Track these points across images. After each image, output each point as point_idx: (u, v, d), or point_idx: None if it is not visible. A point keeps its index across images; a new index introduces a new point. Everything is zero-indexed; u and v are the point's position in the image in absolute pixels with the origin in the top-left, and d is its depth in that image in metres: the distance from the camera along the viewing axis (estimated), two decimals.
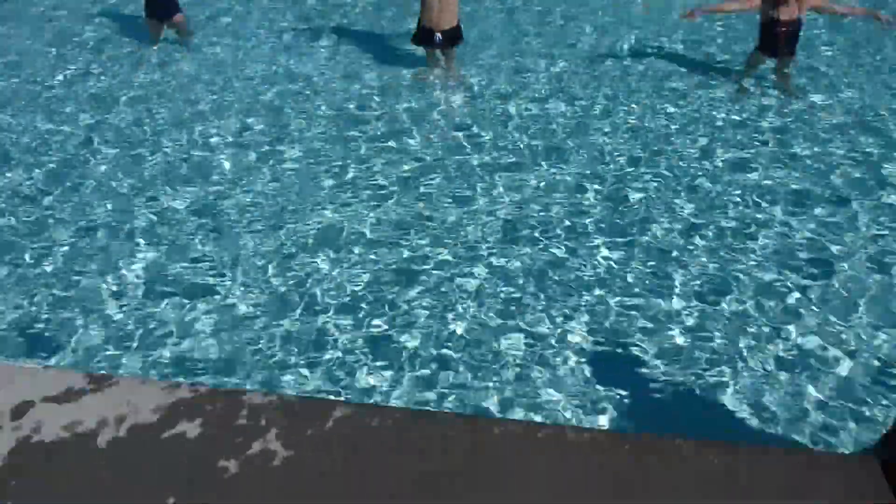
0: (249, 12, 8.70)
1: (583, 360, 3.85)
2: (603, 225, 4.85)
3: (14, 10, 8.70)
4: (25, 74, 7.18)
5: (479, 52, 7.45)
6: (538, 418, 3.47)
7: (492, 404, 3.60)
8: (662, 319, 4.11)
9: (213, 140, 6.00)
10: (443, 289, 4.30)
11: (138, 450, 2.49)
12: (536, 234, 4.78)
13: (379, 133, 6.05)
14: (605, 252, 4.62)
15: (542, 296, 4.26)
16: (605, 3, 8.61)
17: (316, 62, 7.37)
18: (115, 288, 4.38)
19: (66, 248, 4.75)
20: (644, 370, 3.81)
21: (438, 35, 6.80)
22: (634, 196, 5.17)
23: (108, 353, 3.91)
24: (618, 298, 4.25)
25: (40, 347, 4.00)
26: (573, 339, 3.96)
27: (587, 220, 4.91)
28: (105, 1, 8.88)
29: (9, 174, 5.54)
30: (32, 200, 5.24)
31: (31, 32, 8.12)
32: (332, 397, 3.39)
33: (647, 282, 4.36)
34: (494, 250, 4.64)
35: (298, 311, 4.15)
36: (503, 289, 4.32)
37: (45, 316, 4.20)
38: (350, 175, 5.48)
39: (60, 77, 7.11)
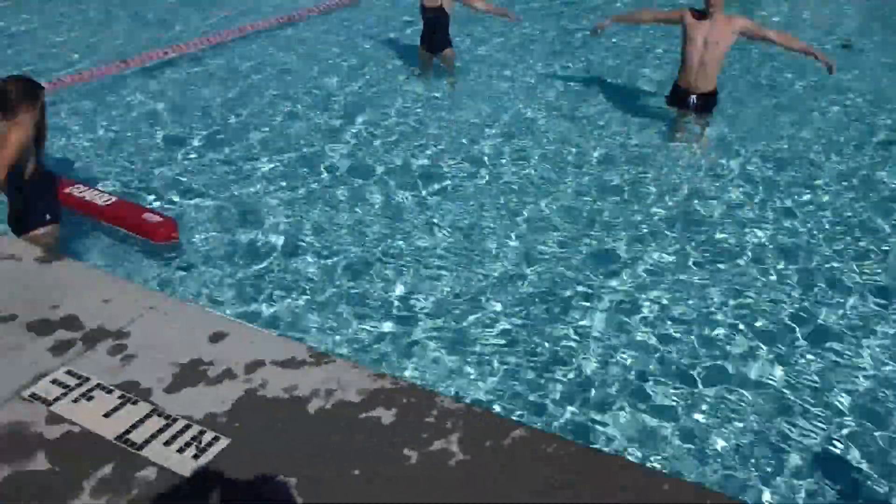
0: (508, 50, 9.23)
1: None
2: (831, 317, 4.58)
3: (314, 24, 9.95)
4: (302, 81, 8.17)
5: (732, 119, 7.28)
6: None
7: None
8: None
9: (456, 162, 6.43)
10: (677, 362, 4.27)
11: (339, 422, 2.80)
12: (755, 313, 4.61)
13: (612, 186, 6.10)
14: (805, 347, 4.35)
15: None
16: (872, 74, 8.12)
17: (562, 105, 7.64)
18: (390, 299, 4.76)
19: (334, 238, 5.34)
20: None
21: (693, 97, 6.75)
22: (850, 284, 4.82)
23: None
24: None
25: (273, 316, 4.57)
26: None
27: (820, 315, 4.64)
28: (391, 30, 9.86)
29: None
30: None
31: (316, 46, 9.21)
32: (515, 417, 3.53)
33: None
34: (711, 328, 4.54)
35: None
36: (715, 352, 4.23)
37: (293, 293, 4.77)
38: (568, 223, 5.60)
39: (336, 86, 8.04)
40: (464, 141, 6.85)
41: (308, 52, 9.10)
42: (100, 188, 5.63)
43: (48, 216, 4.41)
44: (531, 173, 6.30)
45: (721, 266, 5.08)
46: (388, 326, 4.45)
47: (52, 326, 3.30)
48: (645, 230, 5.49)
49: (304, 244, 5.27)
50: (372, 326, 4.44)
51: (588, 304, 4.66)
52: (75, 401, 2.86)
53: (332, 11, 10.64)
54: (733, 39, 6.50)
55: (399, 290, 4.77)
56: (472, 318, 4.51)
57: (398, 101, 7.66)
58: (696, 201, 5.89)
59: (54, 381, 2.96)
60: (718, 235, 5.44)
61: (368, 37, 9.66)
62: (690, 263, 5.11)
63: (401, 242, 5.28)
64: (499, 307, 4.62)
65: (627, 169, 6.38)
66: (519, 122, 7.28)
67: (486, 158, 6.51)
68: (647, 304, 4.67)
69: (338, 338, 4.34)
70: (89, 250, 5.07)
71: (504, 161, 6.49)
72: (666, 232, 5.47)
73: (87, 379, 2.98)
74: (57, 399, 2.87)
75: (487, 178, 6.20)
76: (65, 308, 3.42)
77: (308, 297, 4.71)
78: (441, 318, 4.52)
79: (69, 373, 3.01)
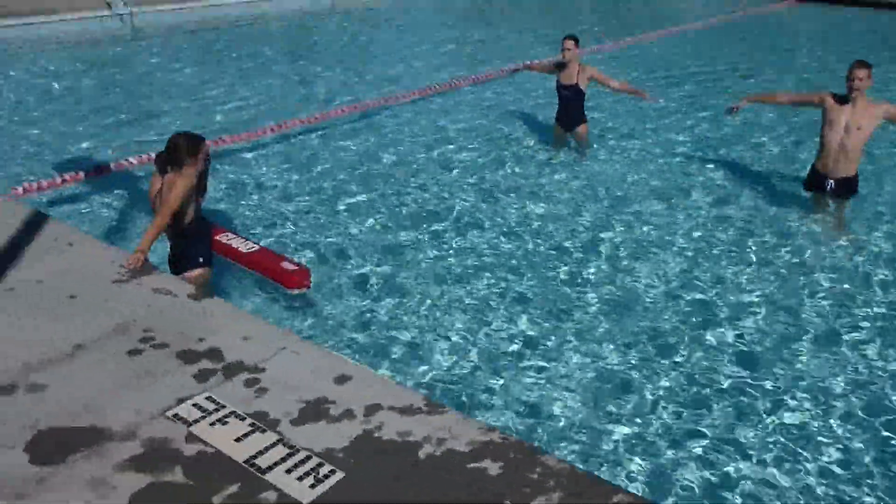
0: (642, 127, 9.33)
1: None
2: None
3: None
4: (437, 151, 8.59)
5: (873, 210, 7.00)
6: None
7: None
8: None
9: (586, 241, 6.52)
10: None
11: (448, 470, 2.92)
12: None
13: (740, 270, 5.98)
14: None
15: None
16: None
17: (693, 185, 7.62)
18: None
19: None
20: None
21: (831, 182, 6.56)
22: None
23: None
24: None
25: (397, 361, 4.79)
26: None
27: None
28: (525, 108, 10.21)
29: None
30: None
31: (454, 118, 9.65)
32: (617, 483, 3.53)
33: None
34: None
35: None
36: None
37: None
38: (695, 303, 5.57)
39: (469, 158, 8.38)
40: (591, 217, 6.95)
41: (446, 124, 9.56)
42: (245, 236, 6.11)
43: (201, 259, 4.87)
44: (658, 253, 6.27)
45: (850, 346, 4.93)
46: (519, 390, 4.54)
47: (198, 357, 3.64)
48: (780, 315, 5.34)
49: (428, 301, 5.51)
50: (497, 385, 4.57)
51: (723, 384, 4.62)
52: (212, 424, 3.15)
53: (471, 86, 11.14)
54: (877, 125, 6.33)
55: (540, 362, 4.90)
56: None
57: (530, 175, 7.90)
58: (829, 289, 5.69)
59: (195, 405, 3.27)
60: (861, 322, 5.26)
61: (504, 113, 10.03)
62: (825, 351, 4.96)
63: (534, 306, 5.43)
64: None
65: (759, 253, 6.25)
66: (649, 200, 7.30)
67: (610, 236, 6.56)
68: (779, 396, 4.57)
69: (457, 393, 4.49)
70: (234, 291, 5.51)
71: (628, 240, 6.50)
72: (798, 319, 5.32)
73: (224, 406, 3.26)
74: (196, 421, 3.17)
75: (610, 256, 6.25)
76: (210, 341, 3.77)
77: (431, 348, 4.92)
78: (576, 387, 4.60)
79: (209, 399, 3.31)
